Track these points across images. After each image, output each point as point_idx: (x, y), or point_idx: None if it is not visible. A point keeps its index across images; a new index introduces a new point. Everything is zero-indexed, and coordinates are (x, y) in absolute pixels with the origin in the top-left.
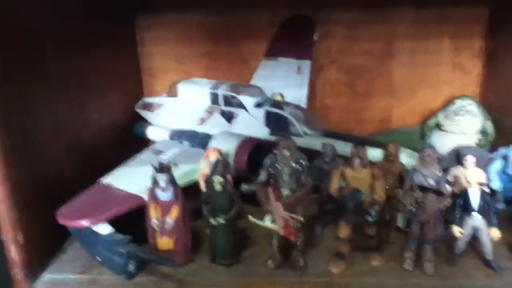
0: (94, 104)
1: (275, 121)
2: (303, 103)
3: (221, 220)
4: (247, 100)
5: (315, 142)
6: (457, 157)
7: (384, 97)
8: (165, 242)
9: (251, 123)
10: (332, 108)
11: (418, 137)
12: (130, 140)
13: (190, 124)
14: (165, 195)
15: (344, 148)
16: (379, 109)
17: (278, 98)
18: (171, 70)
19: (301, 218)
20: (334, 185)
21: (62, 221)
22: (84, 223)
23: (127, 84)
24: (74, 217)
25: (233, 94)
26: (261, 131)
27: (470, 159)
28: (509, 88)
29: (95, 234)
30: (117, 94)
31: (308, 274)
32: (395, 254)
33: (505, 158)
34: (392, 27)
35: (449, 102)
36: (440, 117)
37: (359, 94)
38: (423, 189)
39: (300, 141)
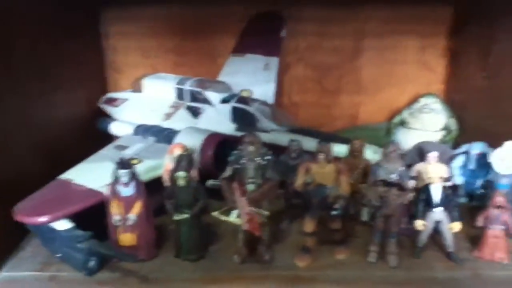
0: (56, 99)
1: (241, 117)
2: (270, 99)
3: (185, 215)
4: (213, 96)
5: (282, 138)
6: (420, 152)
7: (352, 94)
8: (127, 238)
9: (217, 119)
10: (300, 104)
11: (384, 133)
12: (95, 136)
13: (155, 119)
14: (127, 191)
15: (310, 144)
16: (347, 105)
17: (246, 94)
18: (137, 65)
19: (266, 213)
20: (299, 180)
21: (19, 217)
22: (42, 219)
23: (92, 79)
24: (32, 213)
25: (199, 89)
26: (227, 127)
27: (432, 155)
28: (471, 86)
29: (54, 230)
30: (81, 89)
31: (274, 268)
32: (360, 248)
33: (467, 154)
34: (360, 25)
35: (415, 99)
36: (405, 115)
37: (327, 91)
38: (387, 184)
39: (267, 137)
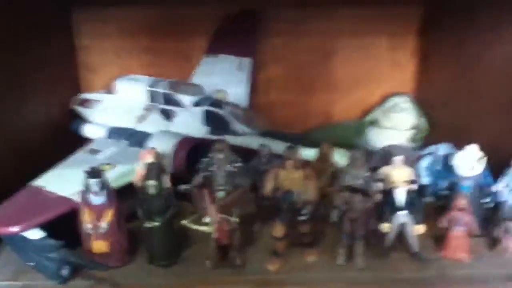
0: (26, 102)
1: (214, 120)
2: (244, 99)
3: (156, 223)
4: (186, 99)
5: (254, 142)
6: (387, 155)
7: (326, 92)
8: (100, 246)
9: (191, 122)
10: (276, 103)
11: (356, 132)
12: (68, 139)
13: (128, 122)
14: (98, 199)
15: (281, 147)
16: (322, 104)
17: (221, 95)
18: (110, 65)
19: (236, 219)
20: (268, 186)
21: None
22: (14, 229)
23: (64, 80)
24: (2, 223)
25: (172, 92)
26: (200, 130)
27: (397, 159)
28: (440, 85)
29: (26, 240)
30: (52, 90)
31: (245, 272)
32: (329, 249)
33: (433, 155)
34: (333, 25)
35: (387, 98)
36: (377, 114)
37: (302, 89)
38: (352, 189)
39: (239, 141)
